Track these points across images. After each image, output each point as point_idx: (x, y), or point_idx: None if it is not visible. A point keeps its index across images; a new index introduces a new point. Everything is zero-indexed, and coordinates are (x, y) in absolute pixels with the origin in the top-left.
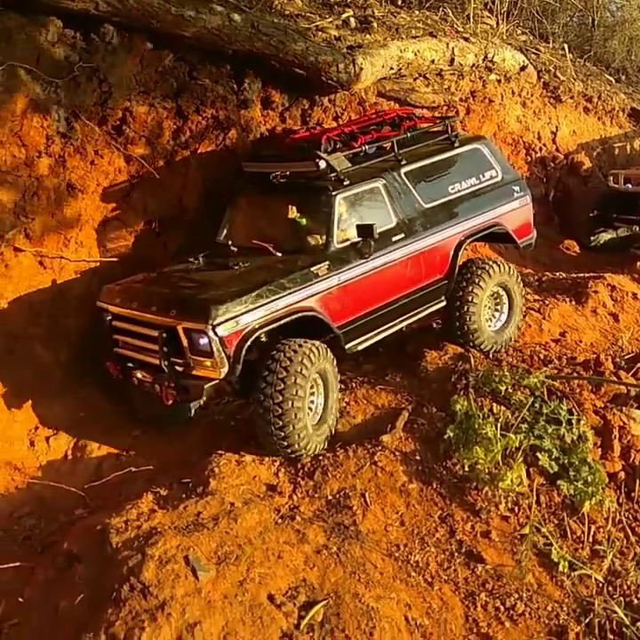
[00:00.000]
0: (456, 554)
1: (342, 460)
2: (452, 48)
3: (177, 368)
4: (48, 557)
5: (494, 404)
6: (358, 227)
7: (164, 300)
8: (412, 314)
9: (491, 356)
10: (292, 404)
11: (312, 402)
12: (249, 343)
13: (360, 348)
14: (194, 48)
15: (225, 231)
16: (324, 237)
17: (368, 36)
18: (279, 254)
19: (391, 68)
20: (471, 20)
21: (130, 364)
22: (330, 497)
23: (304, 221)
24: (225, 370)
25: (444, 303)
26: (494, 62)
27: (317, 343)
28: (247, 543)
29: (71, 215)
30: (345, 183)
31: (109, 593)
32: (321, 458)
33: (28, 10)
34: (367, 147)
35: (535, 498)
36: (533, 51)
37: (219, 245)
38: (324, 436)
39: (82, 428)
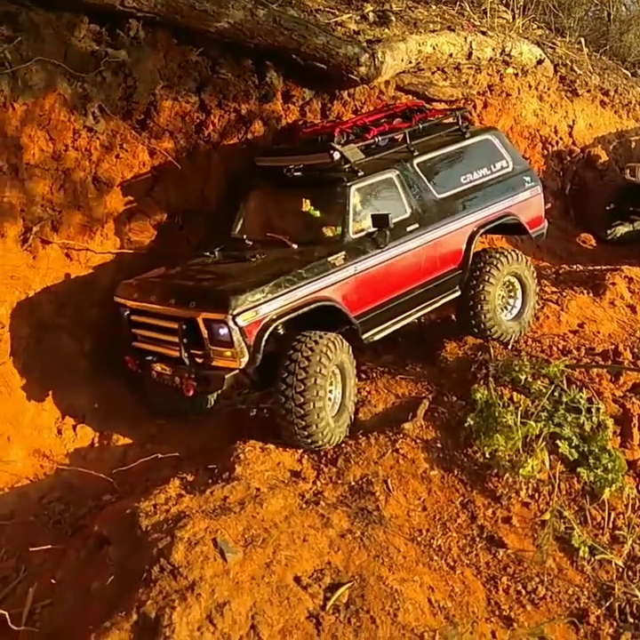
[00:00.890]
0: (477, 539)
1: (364, 448)
2: (470, 42)
3: (197, 360)
4: (79, 540)
5: (514, 393)
6: (373, 217)
7: (183, 293)
8: (427, 304)
9: (509, 346)
10: (314, 398)
11: (331, 394)
12: (268, 333)
13: (376, 337)
14: (216, 42)
15: (239, 226)
16: (340, 228)
17: (387, 30)
18: (295, 246)
19: (410, 62)
20: (488, 14)
21: (148, 358)
22: (353, 483)
23: (317, 214)
24: (245, 359)
25: (458, 293)
26: (511, 56)
27: (335, 336)
28: (273, 527)
29: (97, 208)
30: (359, 174)
31: (140, 574)
32: (343, 445)
33: (55, 6)
34: (380, 138)
35: (556, 485)
36: (549, 45)
37: (234, 240)
38: (344, 427)
39: (107, 417)
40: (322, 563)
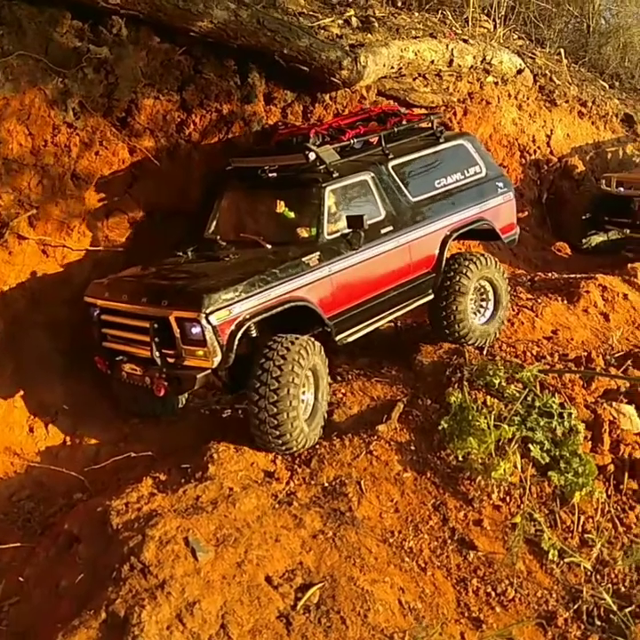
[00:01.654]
0: (449, 541)
1: (338, 449)
2: (452, 49)
3: (168, 359)
4: (48, 538)
5: (488, 397)
6: (348, 218)
7: (155, 291)
8: (400, 307)
9: (484, 350)
10: (288, 401)
11: (304, 397)
12: (241, 333)
13: (350, 339)
14: (199, 42)
15: (213, 226)
16: (315, 229)
17: (369, 35)
18: (269, 246)
19: (392, 67)
20: (469, 23)
21: (118, 358)
22: (326, 484)
23: (292, 215)
24: (218, 359)
25: (431, 297)
26: (492, 65)
27: (309, 339)
28: (245, 526)
29: (75, 205)
30: (334, 175)
31: (110, 572)
32: (317, 446)
33: (38, 1)
34: (355, 141)
35: (527, 488)
36: (529, 55)
37: (207, 240)
38: (317, 430)
39: (80, 415)
40: (293, 563)
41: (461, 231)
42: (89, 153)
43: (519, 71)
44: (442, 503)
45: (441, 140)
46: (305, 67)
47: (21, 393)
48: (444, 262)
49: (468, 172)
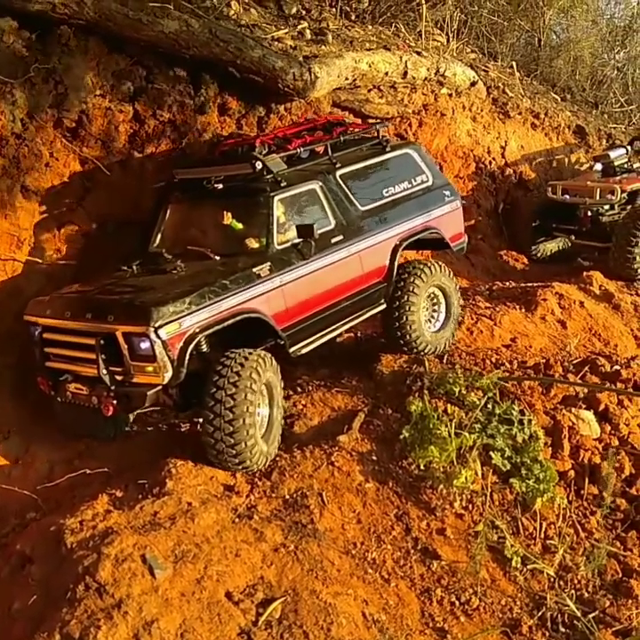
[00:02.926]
0: (412, 551)
1: (299, 461)
2: (405, 61)
3: (116, 377)
4: (0, 559)
5: (448, 405)
6: (298, 227)
7: (100, 307)
8: (353, 317)
9: (444, 359)
10: (244, 414)
11: (259, 412)
12: (192, 347)
13: (304, 351)
14: (151, 52)
15: (157, 240)
16: (264, 239)
17: (323, 47)
18: (217, 258)
19: (346, 79)
20: (422, 36)
21: (61, 379)
22: (287, 496)
23: (239, 226)
24: (168, 374)
25: (384, 306)
26: (446, 77)
27: (264, 353)
28: (205, 542)
29: (25, 217)
30: (282, 184)
31: (64, 593)
32: (278, 458)
33: None
34: (302, 150)
35: (488, 495)
36: (482, 68)
37: (152, 254)
38: (273, 448)
39: (33, 433)
40: (254, 578)
41: (411, 240)
42: (39, 164)
43: (473, 83)
44: (404, 513)
45: (387, 150)
46: (258, 77)
47: None
48: (395, 271)
49: (414, 180)
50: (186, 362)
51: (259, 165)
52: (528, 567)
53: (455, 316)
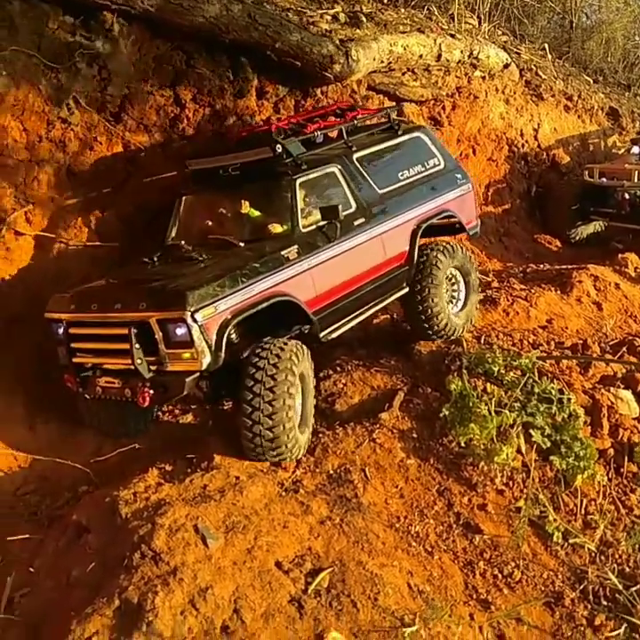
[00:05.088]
0: (454, 525)
1: (342, 438)
2: (440, 44)
3: (150, 367)
4: (57, 530)
5: (487, 384)
6: (322, 209)
7: (130, 296)
8: (379, 300)
9: (481, 340)
10: (284, 412)
11: (295, 404)
12: (228, 331)
13: (333, 336)
14: (192, 37)
15: (174, 232)
16: (289, 223)
17: (358, 30)
18: (242, 244)
19: (382, 62)
20: (455, 19)
21: (89, 374)
22: (331, 472)
23: (257, 213)
24: (207, 360)
25: (406, 290)
26: (479, 59)
27: (299, 343)
28: (253, 514)
29: (70, 200)
30: (303, 168)
31: (121, 561)
32: (321, 435)
33: None
34: (318, 134)
35: (529, 472)
36: (515, 50)
37: (170, 246)
38: (307, 437)
39: None
40: (302, 549)
41: (429, 222)
42: (84, 148)
43: (505, 66)
44: (446, 489)
45: (399, 133)
46: (296, 61)
47: (21, 390)
48: (416, 254)
49: (428, 164)
50: (223, 347)
51: (279, 149)
52: (569, 542)
53: (475, 296)
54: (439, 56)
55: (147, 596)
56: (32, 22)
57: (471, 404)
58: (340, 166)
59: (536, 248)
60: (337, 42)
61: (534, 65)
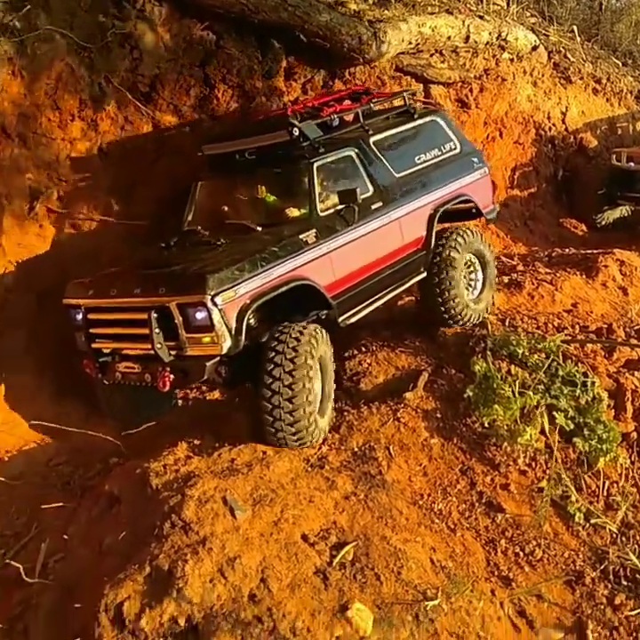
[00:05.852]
0: (477, 504)
1: (366, 416)
2: (468, 25)
3: (170, 351)
4: (89, 499)
5: (512, 366)
6: (340, 193)
7: (149, 281)
8: (396, 285)
9: (506, 322)
10: (304, 395)
11: (314, 388)
12: (248, 315)
13: (351, 321)
14: (222, 17)
15: (190, 218)
16: (307, 206)
17: (386, 11)
18: (259, 229)
19: (410, 43)
20: (483, 0)
21: (107, 360)
22: (355, 449)
23: (273, 198)
24: (227, 344)
25: (424, 274)
26: (507, 41)
27: (318, 327)
28: (280, 488)
29: (102, 178)
30: (320, 151)
31: (151, 530)
32: (346, 413)
33: None
34: (334, 117)
35: (552, 454)
36: (543, 32)
37: (187, 232)
38: (327, 421)
39: None
40: (327, 522)
41: (446, 207)
42: (115, 128)
43: (534, 48)
44: (469, 468)
45: (415, 117)
46: (325, 42)
47: (52, 365)
48: (433, 238)
49: (444, 148)
50: (243, 331)
51: (296, 132)
52: (591, 522)
53: (492, 283)
54: (467, 38)
55: (177, 564)
56: (66, 2)
57: (495, 386)
58: (356, 150)
59: (562, 232)
60: (366, 23)
61: (563, 47)
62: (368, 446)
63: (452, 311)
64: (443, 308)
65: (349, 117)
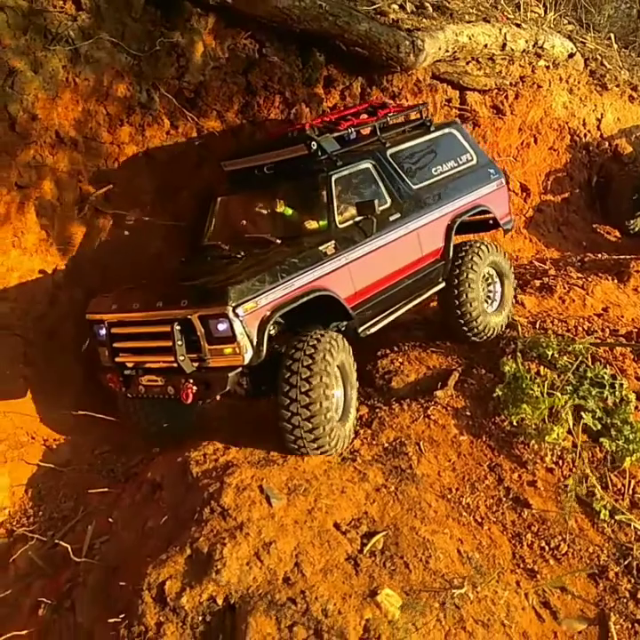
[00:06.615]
0: (504, 499)
1: (397, 413)
2: (505, 33)
3: (193, 363)
4: (132, 486)
5: (541, 367)
6: (358, 204)
7: (171, 294)
8: (415, 296)
9: (536, 325)
10: (320, 401)
11: (334, 396)
12: (269, 326)
13: (371, 331)
14: (264, 27)
15: (210, 233)
16: (326, 218)
17: (424, 20)
18: (279, 241)
19: (447, 51)
20: (520, 8)
21: (131, 373)
22: (386, 444)
23: (290, 212)
24: (249, 355)
25: (443, 285)
26: (544, 49)
27: (337, 334)
28: (314, 478)
29: (147, 181)
30: (338, 164)
31: (192, 514)
32: (377, 410)
33: None
34: (351, 130)
35: (579, 452)
36: (580, 39)
37: (207, 247)
38: (350, 429)
39: None
40: (359, 512)
41: (464, 217)
42: (161, 133)
43: (570, 55)
44: (497, 465)
45: (432, 129)
46: (364, 50)
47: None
48: (451, 249)
49: (460, 159)
50: (265, 341)
51: (314, 146)
52: (616, 519)
53: (510, 296)
54: (504, 45)
55: (215, 547)
56: (118, 12)
57: (524, 386)
58: (374, 162)
59: (594, 238)
60: (404, 32)
61: (599, 54)
62: (399, 441)
63: (471, 322)
64: (460, 319)
65: (366, 131)
